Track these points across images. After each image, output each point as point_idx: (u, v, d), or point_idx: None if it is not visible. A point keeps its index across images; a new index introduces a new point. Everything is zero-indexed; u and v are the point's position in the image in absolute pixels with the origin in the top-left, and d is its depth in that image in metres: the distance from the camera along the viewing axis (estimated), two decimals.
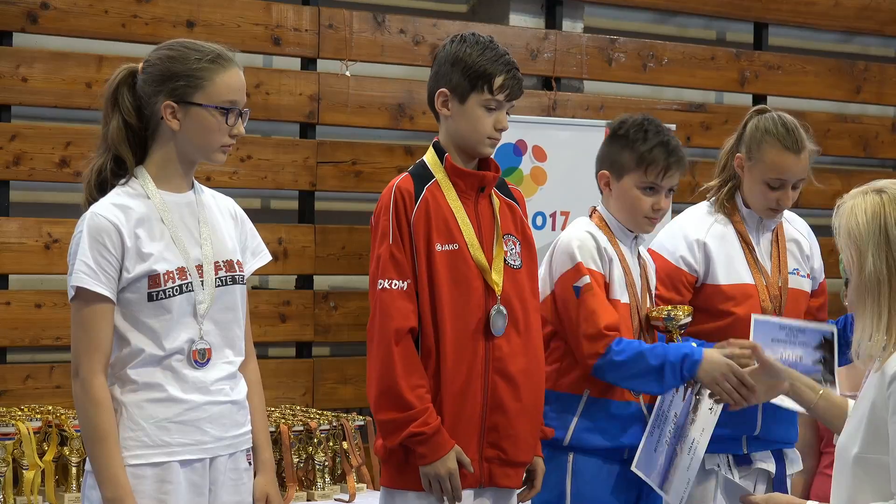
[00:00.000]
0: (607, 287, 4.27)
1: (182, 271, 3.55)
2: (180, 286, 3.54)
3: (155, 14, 6.45)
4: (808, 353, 4.54)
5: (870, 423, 3.13)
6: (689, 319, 4.38)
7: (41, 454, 5.03)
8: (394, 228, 3.93)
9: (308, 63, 6.92)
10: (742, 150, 4.57)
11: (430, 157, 4.05)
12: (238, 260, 3.69)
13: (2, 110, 6.19)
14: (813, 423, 4.66)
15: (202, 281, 3.58)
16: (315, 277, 6.90)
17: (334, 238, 6.88)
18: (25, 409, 5.32)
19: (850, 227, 3.17)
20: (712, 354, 4.17)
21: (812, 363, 4.55)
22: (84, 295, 3.50)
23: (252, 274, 3.80)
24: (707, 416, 4.33)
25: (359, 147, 6.99)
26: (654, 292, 4.46)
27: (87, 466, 3.58)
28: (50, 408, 5.38)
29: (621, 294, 4.29)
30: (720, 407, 4.33)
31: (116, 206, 3.55)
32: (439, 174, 4.01)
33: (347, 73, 6.94)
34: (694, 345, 4.30)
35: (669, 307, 4.39)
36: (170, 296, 3.52)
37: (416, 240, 3.93)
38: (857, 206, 3.19)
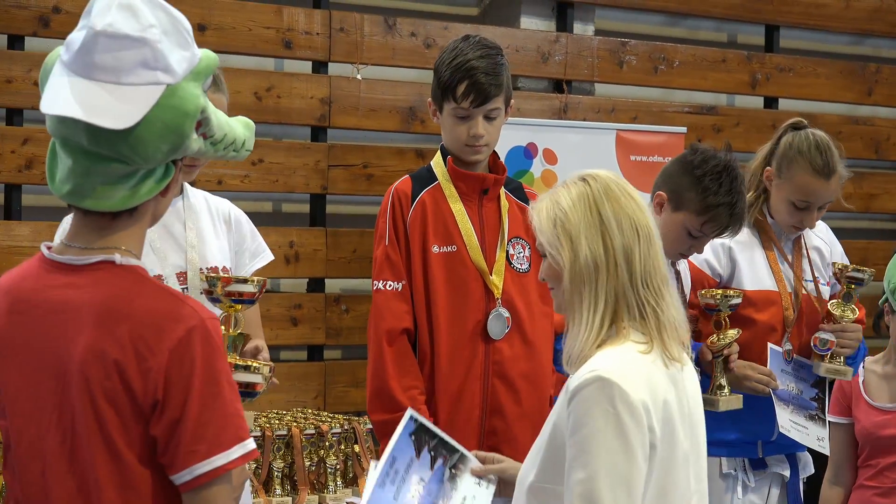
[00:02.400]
0: None
1: (158, 280, 3.54)
2: None
3: None
4: (806, 389, 4.57)
5: (549, 449, 2.80)
6: (738, 301, 4.39)
7: None
8: (390, 230, 3.95)
9: (319, 66, 6.92)
10: (773, 165, 4.54)
11: (436, 160, 4.08)
12: (225, 266, 3.67)
13: (14, 114, 6.20)
14: (849, 439, 4.64)
15: (185, 288, 3.55)
16: (326, 281, 6.91)
17: (346, 241, 6.88)
18: None
19: (556, 217, 2.87)
20: None
21: (809, 398, 4.57)
22: None
23: (258, 275, 3.80)
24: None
25: (370, 150, 6.99)
26: (687, 296, 4.44)
27: None
28: None
29: None
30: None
31: None
32: (442, 177, 4.02)
33: (358, 77, 6.94)
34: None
35: (721, 290, 4.41)
36: None
37: (412, 241, 3.95)
38: (559, 196, 2.91)
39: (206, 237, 3.66)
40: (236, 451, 2.49)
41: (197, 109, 2.48)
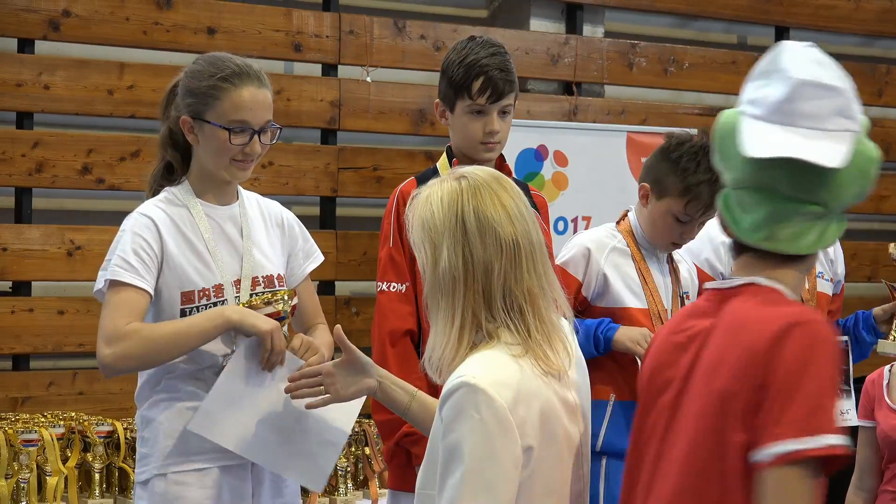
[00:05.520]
0: (585, 292, 4.27)
1: (219, 289, 3.54)
2: (215, 304, 3.52)
3: (176, 21, 6.47)
4: None
5: (428, 456, 2.73)
6: None
7: (64, 460, 5.05)
8: (394, 231, 3.98)
9: (329, 69, 6.93)
10: None
11: (441, 162, 4.12)
12: (279, 274, 3.69)
13: (24, 118, 6.21)
14: (874, 443, 4.63)
15: (238, 297, 3.57)
16: (336, 283, 6.91)
17: (355, 244, 6.88)
18: (48, 416, 5.34)
19: (424, 218, 2.77)
20: (627, 327, 4.22)
21: None
22: (118, 286, 3.49)
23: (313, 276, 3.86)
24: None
25: (380, 153, 7.00)
26: (684, 294, 4.41)
27: (138, 478, 3.58)
28: (73, 414, 5.40)
29: (631, 300, 4.26)
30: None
31: (160, 210, 3.57)
32: None
33: (368, 79, 6.94)
34: None
35: None
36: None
37: None
38: (433, 195, 2.78)
39: (263, 245, 3.68)
40: None
41: (878, 157, 2.65)
